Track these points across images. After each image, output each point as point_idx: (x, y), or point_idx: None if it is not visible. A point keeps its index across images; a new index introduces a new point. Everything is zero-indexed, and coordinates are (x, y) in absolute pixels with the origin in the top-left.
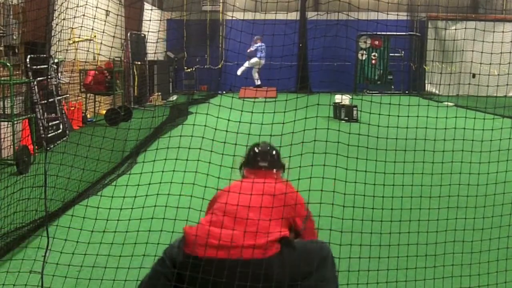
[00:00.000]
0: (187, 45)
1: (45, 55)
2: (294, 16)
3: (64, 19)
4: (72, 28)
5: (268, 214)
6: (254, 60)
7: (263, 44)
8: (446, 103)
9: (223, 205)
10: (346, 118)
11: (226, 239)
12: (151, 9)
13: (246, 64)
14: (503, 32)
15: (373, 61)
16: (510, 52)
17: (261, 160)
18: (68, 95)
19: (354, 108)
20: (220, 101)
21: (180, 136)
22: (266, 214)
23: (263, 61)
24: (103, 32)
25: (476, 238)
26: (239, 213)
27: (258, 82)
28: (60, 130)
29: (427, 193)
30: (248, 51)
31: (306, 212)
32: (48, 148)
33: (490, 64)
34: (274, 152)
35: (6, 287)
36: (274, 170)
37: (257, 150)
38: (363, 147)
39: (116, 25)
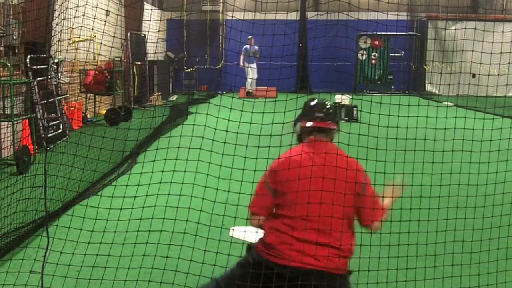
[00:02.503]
0: (187, 45)
1: (45, 55)
2: (294, 16)
3: (64, 19)
4: (72, 28)
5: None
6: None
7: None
8: (446, 103)
9: (297, 205)
10: (346, 118)
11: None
12: (151, 9)
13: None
14: (503, 32)
15: (373, 61)
16: (510, 52)
17: (317, 111)
18: (68, 95)
19: (354, 108)
20: (220, 101)
21: (180, 136)
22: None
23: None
24: (103, 32)
25: (476, 238)
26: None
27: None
28: (60, 130)
29: (427, 193)
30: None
31: (363, 179)
32: (48, 148)
33: (490, 64)
34: (328, 106)
35: (6, 287)
36: (330, 122)
37: (313, 103)
38: (363, 147)
39: (116, 25)
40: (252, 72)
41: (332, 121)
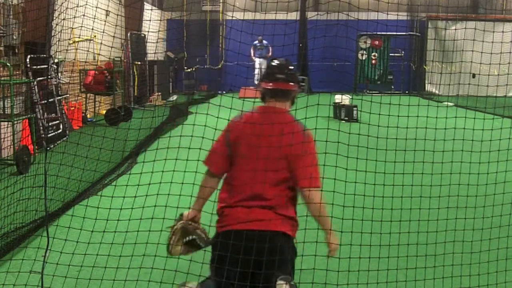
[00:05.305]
0: (187, 45)
1: (45, 55)
2: (294, 16)
3: (64, 19)
4: (72, 28)
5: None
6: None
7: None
8: (446, 103)
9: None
10: (346, 118)
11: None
12: (151, 9)
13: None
14: (503, 32)
15: (373, 61)
16: (510, 52)
17: (278, 73)
18: (68, 95)
19: (354, 108)
20: (220, 101)
21: (180, 136)
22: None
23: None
24: (103, 32)
25: (476, 238)
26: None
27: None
28: (60, 130)
29: (427, 193)
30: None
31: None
32: (48, 148)
33: (490, 64)
34: (291, 67)
35: (6, 287)
36: (291, 83)
37: (274, 64)
38: (363, 147)
39: (116, 25)
40: (260, 63)
41: (293, 82)
